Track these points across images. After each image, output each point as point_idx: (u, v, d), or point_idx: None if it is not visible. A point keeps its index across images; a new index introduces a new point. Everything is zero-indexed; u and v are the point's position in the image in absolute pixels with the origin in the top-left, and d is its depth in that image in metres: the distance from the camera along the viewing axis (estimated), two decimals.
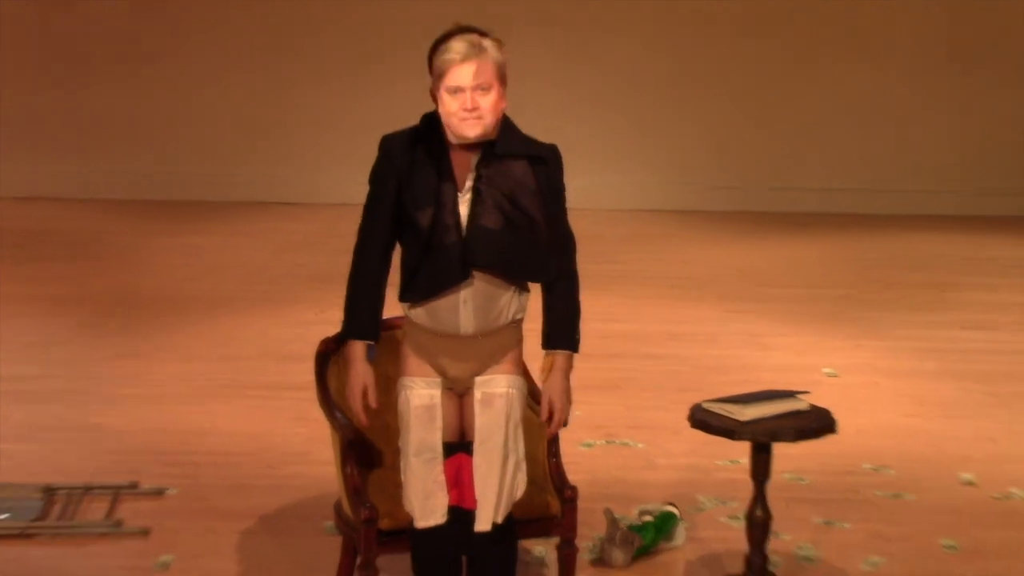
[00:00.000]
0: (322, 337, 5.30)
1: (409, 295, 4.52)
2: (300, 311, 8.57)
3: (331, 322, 5.66)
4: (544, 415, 4.70)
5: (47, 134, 11.44)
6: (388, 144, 4.55)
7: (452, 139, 4.42)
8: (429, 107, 4.55)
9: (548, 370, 4.66)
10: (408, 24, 10.94)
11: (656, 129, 11.64)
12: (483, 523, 4.57)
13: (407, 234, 4.50)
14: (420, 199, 4.44)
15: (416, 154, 4.49)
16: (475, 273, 4.45)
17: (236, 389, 7.40)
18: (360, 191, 10.84)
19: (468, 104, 4.32)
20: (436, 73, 4.37)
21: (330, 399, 5.14)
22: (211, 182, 11.48)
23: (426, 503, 4.56)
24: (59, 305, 8.85)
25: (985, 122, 11.43)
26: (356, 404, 4.62)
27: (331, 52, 11.36)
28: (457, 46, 4.34)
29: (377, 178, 4.56)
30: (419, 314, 4.54)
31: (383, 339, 4.82)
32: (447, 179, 4.45)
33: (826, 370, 7.81)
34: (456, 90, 4.33)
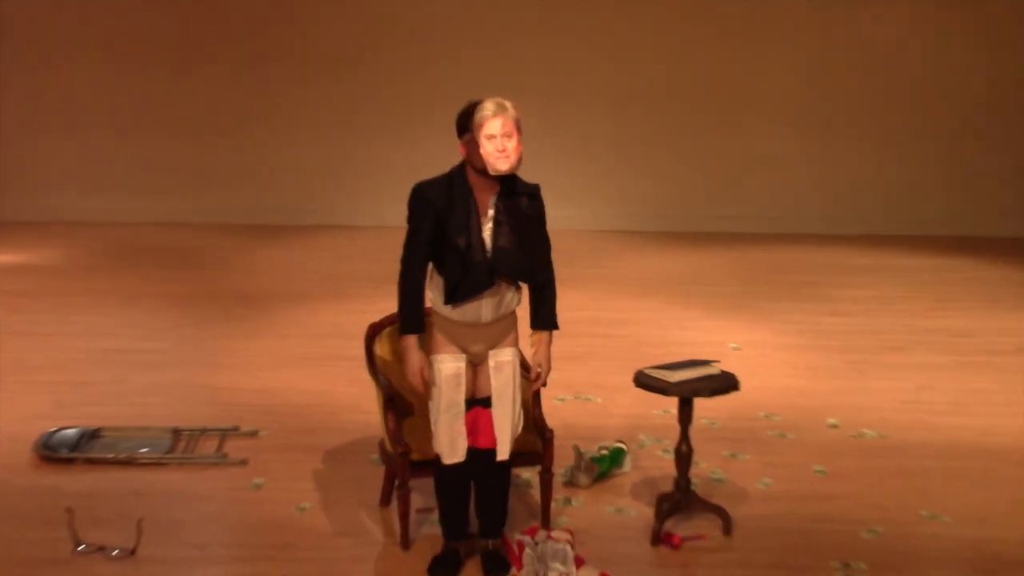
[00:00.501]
0: (369, 322, 5.30)
1: (452, 300, 4.52)
2: (353, 303, 8.51)
3: (376, 311, 5.66)
4: (533, 375, 4.75)
5: (179, 177, 11.40)
6: (424, 191, 4.52)
7: (490, 172, 4.41)
8: (444, 157, 4.54)
9: (537, 343, 4.72)
10: (431, 99, 10.97)
11: (613, 172, 11.59)
12: (503, 454, 4.66)
13: (448, 255, 4.48)
14: (457, 229, 4.45)
15: (452, 195, 4.48)
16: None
17: (307, 359, 7.38)
18: (392, 217, 10.87)
19: (500, 147, 4.35)
20: (475, 125, 4.39)
21: (375, 366, 5.15)
22: (291, 211, 11.42)
23: (452, 447, 4.60)
24: (182, 299, 8.83)
25: (839, 166, 11.43)
26: (416, 380, 4.62)
27: (378, 119, 11.33)
28: (489, 105, 4.39)
29: (416, 217, 4.52)
30: (450, 310, 4.55)
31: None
32: (474, 212, 4.47)
33: (732, 345, 7.79)
34: (491, 137, 4.35)
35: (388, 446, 5.00)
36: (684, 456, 5.05)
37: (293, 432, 6.16)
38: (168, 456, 5.81)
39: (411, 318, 4.58)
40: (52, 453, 5.78)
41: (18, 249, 10.30)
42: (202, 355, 7.49)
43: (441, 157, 11.99)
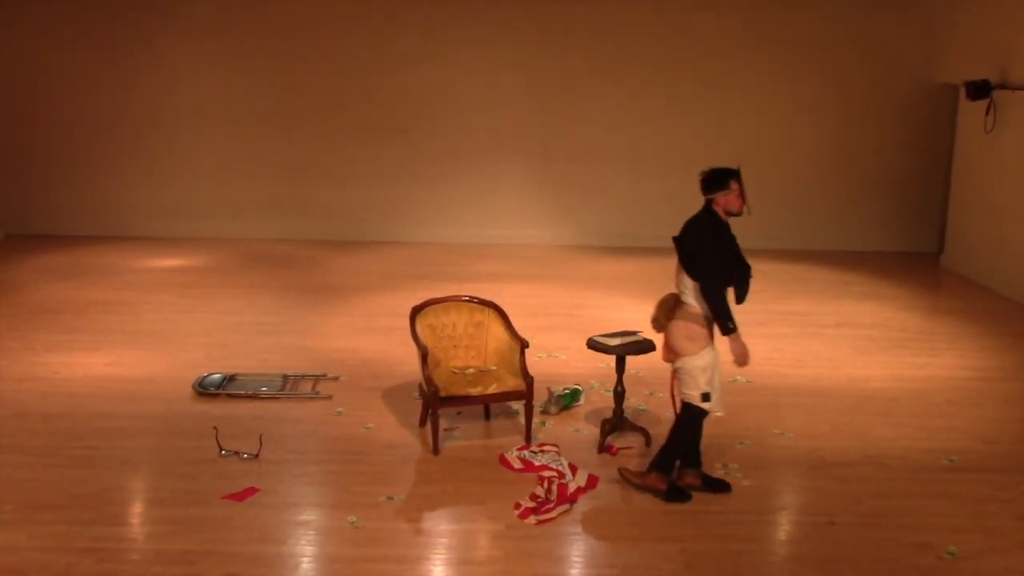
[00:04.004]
0: (411, 306, 5.24)
1: (741, 301, 4.33)
2: (400, 293, 8.43)
3: (416, 298, 5.63)
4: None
5: (285, 209, 11.26)
6: (713, 223, 4.24)
7: (744, 213, 4.25)
8: (462, 194, 4.45)
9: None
10: (448, 157, 10.84)
11: (571, 206, 11.52)
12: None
13: (734, 269, 4.24)
14: (736, 251, 4.30)
15: (722, 226, 4.28)
16: None
17: (370, 329, 7.29)
18: (424, 236, 10.46)
19: (747, 199, 4.24)
20: (734, 184, 4.19)
21: (416, 334, 5.07)
22: (358, 231, 11.26)
23: (719, 404, 4.45)
24: (287, 289, 8.72)
25: None
26: (745, 361, 4.33)
27: (415, 170, 11.02)
28: (737, 171, 4.24)
29: (714, 249, 4.23)
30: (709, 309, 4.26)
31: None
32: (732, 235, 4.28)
33: None
34: (742, 191, 4.22)
35: (424, 386, 4.97)
36: (619, 394, 5.06)
37: (362, 377, 6.11)
38: (279, 392, 5.78)
39: (732, 316, 4.22)
40: (204, 390, 5.76)
41: (185, 255, 10.23)
42: (301, 325, 7.43)
43: (461, 194, 11.72)
